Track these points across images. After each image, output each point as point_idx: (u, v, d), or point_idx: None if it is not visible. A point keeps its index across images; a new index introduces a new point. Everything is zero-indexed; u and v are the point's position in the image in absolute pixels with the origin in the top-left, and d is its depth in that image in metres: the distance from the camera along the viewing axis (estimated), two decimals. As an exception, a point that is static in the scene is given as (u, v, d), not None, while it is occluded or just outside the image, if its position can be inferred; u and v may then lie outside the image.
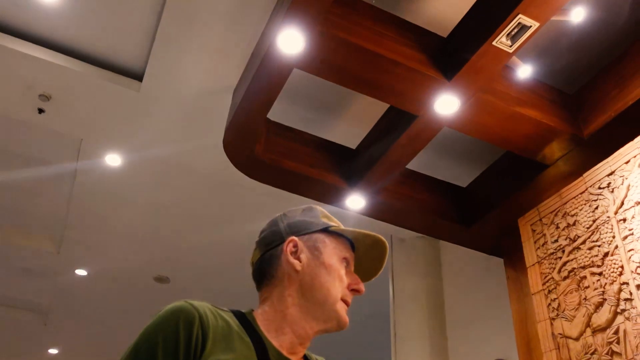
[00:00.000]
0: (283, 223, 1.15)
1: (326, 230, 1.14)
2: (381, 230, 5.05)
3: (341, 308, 1.09)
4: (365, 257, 1.18)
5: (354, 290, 1.13)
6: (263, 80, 2.91)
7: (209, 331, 0.94)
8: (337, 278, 1.10)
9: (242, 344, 0.97)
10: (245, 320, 1.04)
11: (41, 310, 7.52)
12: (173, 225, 5.43)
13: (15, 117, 3.96)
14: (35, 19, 3.38)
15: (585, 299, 2.78)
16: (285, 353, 1.04)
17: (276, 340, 1.04)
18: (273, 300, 1.09)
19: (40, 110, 3.85)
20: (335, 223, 1.17)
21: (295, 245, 1.11)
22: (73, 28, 3.44)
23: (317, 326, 1.09)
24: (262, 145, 3.43)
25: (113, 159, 4.51)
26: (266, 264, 1.12)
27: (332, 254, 1.12)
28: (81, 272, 6.45)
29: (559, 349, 2.86)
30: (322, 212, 1.19)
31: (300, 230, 1.13)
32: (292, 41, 2.62)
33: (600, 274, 2.73)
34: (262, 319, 1.06)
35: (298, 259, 1.10)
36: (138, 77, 3.72)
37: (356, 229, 1.15)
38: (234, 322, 1.01)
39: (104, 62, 3.67)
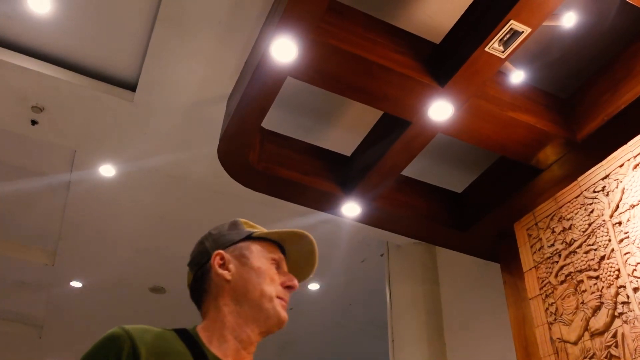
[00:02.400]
0: (208, 241, 1.21)
1: (250, 238, 1.20)
2: (377, 237, 5.06)
3: (278, 305, 1.14)
4: (298, 253, 1.24)
5: (288, 287, 1.18)
6: (257, 88, 2.91)
7: (142, 350, 0.97)
8: (267, 278, 1.15)
9: (182, 358, 1.02)
10: (188, 336, 1.08)
11: (36, 323, 7.45)
12: (168, 236, 5.41)
13: (8, 128, 3.94)
14: (28, 30, 3.37)
15: (582, 302, 2.78)
16: None
17: (219, 350, 1.08)
18: (211, 313, 1.14)
19: (34, 122, 3.83)
20: (259, 230, 1.23)
21: (222, 258, 1.17)
22: (65, 39, 3.43)
23: (257, 328, 1.13)
24: (256, 153, 3.43)
25: (107, 170, 4.50)
26: (199, 282, 1.17)
27: (260, 257, 1.18)
28: (76, 284, 6.41)
29: (557, 353, 2.85)
30: (246, 223, 1.26)
31: (225, 243, 1.19)
32: (285, 49, 2.63)
33: (597, 277, 2.73)
34: (204, 333, 1.11)
35: (227, 269, 1.15)
36: (131, 87, 3.71)
37: (278, 230, 1.21)
38: (175, 340, 1.05)
39: (96, 73, 3.66)
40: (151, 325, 1.09)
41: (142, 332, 1.02)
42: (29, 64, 3.47)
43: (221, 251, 1.17)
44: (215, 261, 1.16)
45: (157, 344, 1.00)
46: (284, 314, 1.15)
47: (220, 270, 1.15)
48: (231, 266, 1.15)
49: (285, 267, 1.22)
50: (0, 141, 4.28)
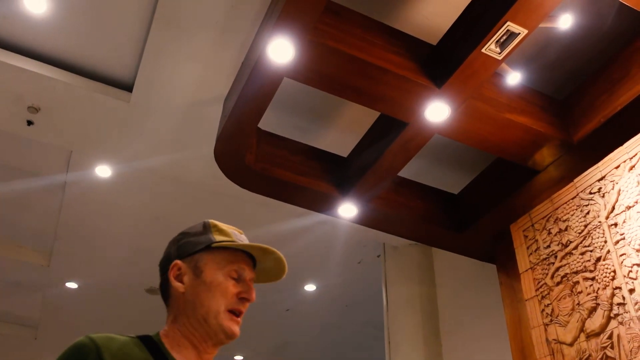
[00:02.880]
0: (174, 246, 1.23)
1: (210, 247, 1.19)
2: (374, 237, 5.06)
3: (224, 319, 1.15)
4: (266, 259, 1.24)
5: (244, 299, 1.19)
6: (253, 89, 2.90)
7: (107, 358, 1.00)
8: (218, 292, 1.16)
9: None
10: (151, 342, 1.11)
11: (31, 324, 7.43)
12: (164, 236, 5.34)
13: (4, 129, 3.93)
14: (24, 30, 3.36)
15: (578, 304, 2.78)
16: None
17: (181, 356, 1.12)
18: (172, 320, 1.17)
19: (30, 122, 3.82)
20: (223, 238, 1.21)
21: (179, 269, 1.18)
22: (62, 39, 3.42)
23: (209, 340, 1.16)
24: (253, 154, 3.42)
25: (103, 171, 4.48)
26: (164, 288, 1.21)
27: (216, 269, 1.17)
28: (72, 284, 6.39)
29: (553, 354, 2.86)
30: (215, 227, 1.24)
31: (185, 252, 1.20)
32: (282, 50, 2.62)
33: (593, 279, 2.74)
34: (166, 338, 1.14)
35: (181, 281, 1.17)
36: (128, 87, 3.70)
37: (241, 243, 1.21)
38: (138, 346, 1.08)
39: (93, 73, 3.65)
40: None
41: (108, 340, 1.04)
42: (25, 64, 3.46)
43: (179, 262, 1.18)
44: (172, 272, 1.18)
45: (122, 353, 1.03)
46: (231, 328, 1.15)
47: (175, 283, 1.17)
48: (185, 278, 1.17)
49: (248, 276, 1.21)
50: (-4, 141, 4.27)
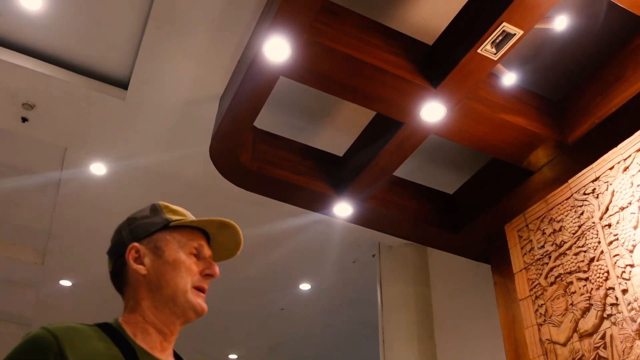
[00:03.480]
0: (125, 230, 1.19)
1: (168, 227, 1.17)
2: (369, 237, 5.07)
3: (193, 297, 1.14)
4: (222, 236, 1.23)
5: (208, 275, 1.17)
6: (249, 88, 2.90)
7: (68, 353, 0.94)
8: (183, 270, 1.14)
9: (111, 353, 1.00)
10: (112, 330, 1.07)
11: (25, 322, 7.40)
12: (159, 235, 5.37)
13: (-2, 126, 3.91)
14: (19, 27, 3.35)
15: (572, 304, 2.79)
16: (157, 354, 1.09)
17: (144, 342, 1.09)
18: (131, 305, 1.13)
19: (24, 119, 3.81)
20: (178, 217, 1.20)
21: (137, 251, 1.15)
22: (57, 36, 3.41)
23: (177, 320, 1.13)
24: (249, 153, 3.42)
25: (98, 168, 4.47)
26: (119, 274, 1.17)
27: (177, 248, 1.16)
28: (66, 282, 6.36)
29: (546, 354, 2.87)
30: (167, 207, 1.22)
31: (140, 234, 1.17)
32: (278, 49, 2.62)
33: (586, 279, 2.75)
34: (127, 325, 1.10)
35: (142, 263, 1.14)
36: (123, 85, 3.69)
37: (197, 219, 1.20)
38: (99, 335, 1.03)
39: (88, 71, 3.64)
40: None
41: (67, 330, 0.98)
42: (19, 61, 3.44)
43: (136, 244, 1.15)
44: (130, 255, 1.14)
45: (84, 343, 0.98)
46: (200, 305, 1.14)
47: (135, 265, 1.13)
48: (146, 260, 1.14)
49: (206, 253, 1.20)
50: (-10, 138, 4.25)
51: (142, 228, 1.17)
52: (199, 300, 1.14)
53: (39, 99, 3.67)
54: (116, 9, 3.22)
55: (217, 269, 1.19)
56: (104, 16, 3.26)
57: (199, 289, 1.15)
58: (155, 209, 1.21)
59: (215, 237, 1.23)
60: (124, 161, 4.27)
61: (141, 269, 1.13)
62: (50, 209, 5.15)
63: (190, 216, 1.23)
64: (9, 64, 3.41)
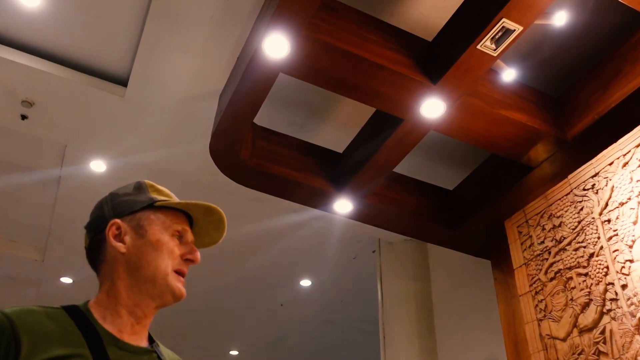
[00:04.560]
0: (108, 206, 1.15)
1: (152, 206, 1.13)
2: (369, 233, 5.07)
3: (173, 280, 1.10)
4: (206, 222, 1.19)
5: (189, 260, 1.14)
6: (249, 85, 2.90)
7: (22, 336, 0.92)
8: (165, 252, 1.10)
9: (72, 338, 0.97)
10: (78, 313, 1.03)
11: (26, 319, 7.40)
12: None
13: (-3, 123, 3.91)
14: (18, 24, 3.34)
15: (571, 299, 2.80)
16: (125, 337, 1.05)
17: (113, 326, 1.05)
18: (106, 285, 1.09)
19: (23, 117, 3.80)
20: (164, 197, 1.16)
21: (119, 228, 1.10)
22: (56, 33, 3.40)
23: (153, 303, 1.10)
24: (248, 150, 3.42)
25: (97, 165, 4.47)
26: (96, 251, 1.12)
27: (160, 229, 1.12)
28: (66, 279, 6.37)
29: (546, 349, 2.88)
30: (152, 186, 1.19)
31: (124, 211, 1.12)
32: (277, 45, 2.62)
33: (586, 274, 2.75)
34: (97, 308, 1.07)
35: (122, 241, 1.09)
36: (123, 82, 3.69)
37: (184, 201, 1.16)
38: (64, 318, 1.00)
39: (87, 68, 3.63)
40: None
41: (24, 314, 0.95)
42: (18, 58, 3.44)
43: (117, 220, 1.10)
44: (111, 231, 1.10)
45: (42, 326, 0.95)
46: (179, 289, 1.10)
47: (115, 242, 1.09)
48: (127, 238, 1.09)
49: (189, 238, 1.16)
50: (-10, 136, 4.25)
51: (126, 205, 1.13)
52: (179, 285, 1.11)
53: (39, 97, 3.67)
54: (115, 6, 3.21)
55: (198, 254, 1.15)
56: (103, 13, 3.26)
57: (179, 273, 1.12)
58: (140, 187, 1.17)
59: (199, 223, 1.19)
60: (124, 158, 4.27)
61: (120, 246, 1.09)
62: (50, 206, 5.16)
63: (175, 198, 1.19)
64: (9, 61, 3.41)
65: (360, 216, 3.81)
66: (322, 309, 7.19)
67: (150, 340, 1.14)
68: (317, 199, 3.68)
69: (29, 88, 3.60)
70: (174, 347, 1.32)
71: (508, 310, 3.37)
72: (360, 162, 3.43)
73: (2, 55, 3.39)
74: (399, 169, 3.79)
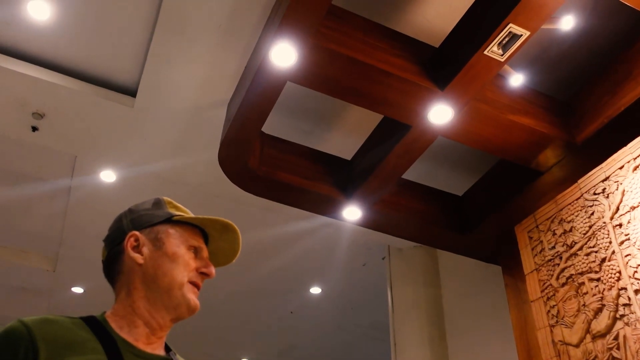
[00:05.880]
0: (127, 219, 1.18)
1: (170, 221, 1.17)
2: (378, 240, 5.06)
3: (188, 291, 1.12)
4: (222, 240, 1.22)
5: (204, 274, 1.16)
6: (257, 93, 2.91)
7: (40, 344, 0.93)
8: (181, 264, 1.13)
9: (89, 345, 0.98)
10: (96, 323, 1.05)
11: (37, 329, 7.43)
12: (169, 240, 5.39)
13: (9, 135, 3.95)
14: (28, 37, 3.38)
15: (584, 305, 2.78)
16: (141, 346, 1.06)
17: (130, 335, 1.06)
18: (122, 296, 1.12)
19: (34, 128, 3.84)
20: (181, 212, 1.20)
21: (137, 240, 1.13)
22: (65, 45, 3.44)
23: (167, 315, 1.11)
24: (257, 158, 3.43)
25: (108, 175, 4.50)
26: (113, 262, 1.15)
27: (177, 243, 1.15)
28: (77, 289, 6.40)
29: (559, 356, 2.85)
30: (170, 203, 1.22)
31: (142, 224, 1.16)
32: (285, 54, 2.63)
33: (598, 279, 2.73)
34: (113, 318, 1.09)
35: (140, 252, 1.12)
36: (131, 92, 3.72)
37: (201, 216, 1.18)
38: (82, 328, 1.01)
39: (97, 79, 3.67)
40: None
41: (42, 322, 0.97)
42: (29, 71, 3.48)
43: (136, 232, 1.14)
44: (129, 243, 1.13)
45: (59, 335, 0.96)
46: (194, 301, 1.13)
47: (133, 253, 1.12)
48: (145, 249, 1.12)
49: (204, 254, 1.19)
50: (1, 147, 4.29)
51: (144, 218, 1.17)
52: (193, 296, 1.13)
53: (49, 108, 3.71)
54: (123, 17, 3.25)
55: (213, 269, 1.18)
56: (111, 24, 3.29)
57: (193, 284, 1.14)
58: (158, 203, 1.22)
59: (214, 241, 1.22)
60: (134, 168, 4.29)
61: (138, 257, 1.11)
62: (61, 216, 5.19)
63: (192, 215, 1.22)
64: (19, 73, 3.45)
65: (370, 223, 3.80)
66: (332, 316, 7.17)
67: (167, 349, 1.15)
68: (326, 206, 3.68)
69: (39, 100, 3.64)
70: (184, 355, 1.32)
71: (520, 316, 3.34)
72: (368, 169, 3.42)
73: (13, 67, 3.44)
74: (408, 175, 3.78)
